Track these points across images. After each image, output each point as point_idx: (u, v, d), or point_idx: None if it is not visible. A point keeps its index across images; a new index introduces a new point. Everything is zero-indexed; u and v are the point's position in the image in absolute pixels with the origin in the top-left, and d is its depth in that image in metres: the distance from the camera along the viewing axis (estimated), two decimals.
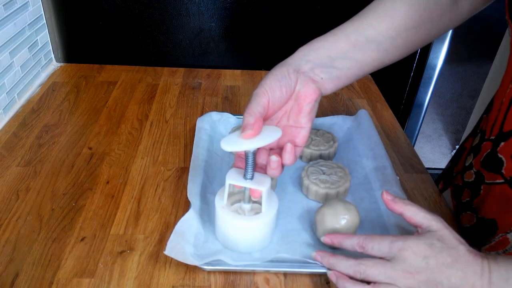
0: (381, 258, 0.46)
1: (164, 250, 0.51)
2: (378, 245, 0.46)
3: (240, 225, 0.52)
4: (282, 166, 0.50)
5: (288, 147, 0.48)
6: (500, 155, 0.54)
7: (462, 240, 0.45)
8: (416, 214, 0.47)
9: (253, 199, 0.52)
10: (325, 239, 0.52)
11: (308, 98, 0.50)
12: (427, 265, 0.43)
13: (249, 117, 0.45)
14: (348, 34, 0.52)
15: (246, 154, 0.48)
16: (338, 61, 0.51)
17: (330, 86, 0.52)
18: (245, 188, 0.52)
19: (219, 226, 0.54)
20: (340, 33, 0.52)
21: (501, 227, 0.54)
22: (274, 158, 0.48)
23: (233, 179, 0.51)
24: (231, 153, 0.69)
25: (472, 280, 0.42)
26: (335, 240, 0.51)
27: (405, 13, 0.52)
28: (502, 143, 0.54)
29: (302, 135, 0.51)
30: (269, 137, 0.47)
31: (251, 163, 0.49)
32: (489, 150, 0.56)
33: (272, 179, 0.54)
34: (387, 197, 0.49)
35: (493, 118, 0.57)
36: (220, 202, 0.53)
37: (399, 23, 0.52)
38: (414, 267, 0.43)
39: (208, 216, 0.59)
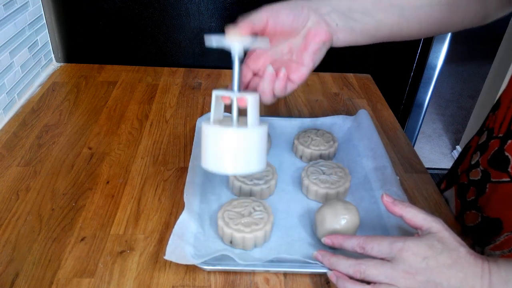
0: (381, 258, 0.46)
1: (164, 255, 0.51)
2: (378, 246, 0.46)
3: (223, 135, 0.47)
4: (274, 94, 0.49)
5: (282, 73, 0.47)
6: (506, 153, 0.54)
7: (463, 242, 0.45)
8: (416, 216, 0.47)
9: (240, 107, 0.48)
10: (326, 240, 0.52)
11: (317, 37, 0.49)
12: (427, 266, 0.43)
13: (239, 21, 0.45)
14: None
15: (232, 60, 0.46)
16: (357, 14, 0.51)
17: (342, 36, 0.51)
18: (232, 101, 0.48)
19: (204, 145, 0.49)
20: None
21: (506, 227, 0.54)
22: (270, 69, 0.47)
23: (220, 92, 0.48)
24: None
25: (472, 282, 0.42)
26: (336, 241, 0.51)
27: None
28: (510, 141, 0.54)
29: (300, 72, 0.49)
30: (256, 41, 0.45)
31: (238, 72, 0.46)
32: (496, 148, 0.56)
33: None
34: (387, 199, 0.49)
35: (502, 116, 0.57)
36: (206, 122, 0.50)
37: None
38: (414, 267, 0.43)
39: (208, 214, 0.59)
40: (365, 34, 0.52)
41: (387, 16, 0.52)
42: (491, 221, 0.56)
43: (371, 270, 0.45)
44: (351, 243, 0.48)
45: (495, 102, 0.62)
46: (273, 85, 0.49)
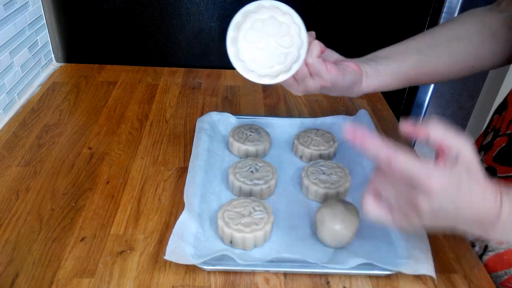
0: None
1: (164, 255, 0.51)
2: (406, 171, 0.38)
3: None
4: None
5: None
6: None
7: (483, 172, 0.40)
8: (445, 137, 0.39)
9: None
10: (347, 132, 0.41)
11: (351, 64, 0.55)
12: (447, 204, 0.39)
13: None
14: (396, 46, 0.61)
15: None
16: (381, 59, 0.58)
17: (371, 79, 0.57)
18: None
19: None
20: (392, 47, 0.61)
21: None
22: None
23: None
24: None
25: (483, 214, 0.40)
26: (358, 136, 0.40)
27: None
28: None
29: (327, 74, 0.52)
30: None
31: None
32: (503, 145, 0.56)
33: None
34: (404, 127, 0.42)
35: (511, 115, 0.57)
36: None
37: (438, 36, 0.60)
38: (436, 205, 0.38)
39: (208, 214, 0.59)
40: (390, 74, 0.57)
41: (406, 57, 0.58)
42: None
43: (398, 184, 0.39)
44: (378, 148, 0.39)
45: (500, 103, 0.63)
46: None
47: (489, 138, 0.61)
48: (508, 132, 0.56)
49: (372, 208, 0.42)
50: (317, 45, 0.51)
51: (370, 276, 0.53)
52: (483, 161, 0.60)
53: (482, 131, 0.66)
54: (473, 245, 0.60)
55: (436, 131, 0.39)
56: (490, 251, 0.57)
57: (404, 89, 1.18)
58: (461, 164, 0.38)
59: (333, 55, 0.56)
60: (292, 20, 0.46)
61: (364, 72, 0.56)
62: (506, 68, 1.85)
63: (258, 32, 0.46)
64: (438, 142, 0.39)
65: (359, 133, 0.40)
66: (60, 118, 0.81)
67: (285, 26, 0.46)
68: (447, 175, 0.38)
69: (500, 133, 0.58)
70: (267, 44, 0.47)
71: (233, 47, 0.48)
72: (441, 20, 1.03)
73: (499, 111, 0.62)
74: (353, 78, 0.54)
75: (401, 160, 0.38)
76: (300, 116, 0.85)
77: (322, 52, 0.52)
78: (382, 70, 0.57)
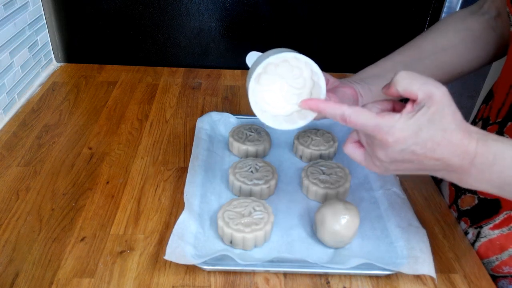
0: None
1: (164, 255, 0.51)
2: (361, 127, 0.41)
3: None
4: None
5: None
6: (506, 135, 0.55)
7: (458, 118, 0.40)
8: (411, 84, 0.40)
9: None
10: (302, 104, 0.46)
11: (349, 90, 0.56)
12: (404, 155, 0.40)
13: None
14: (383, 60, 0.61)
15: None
16: (370, 79, 0.59)
17: (365, 98, 0.57)
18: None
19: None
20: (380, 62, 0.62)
21: (505, 206, 0.55)
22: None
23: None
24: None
25: (449, 162, 0.40)
26: (312, 104, 0.45)
27: (433, 42, 0.60)
28: (510, 123, 0.55)
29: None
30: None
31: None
32: (494, 132, 0.57)
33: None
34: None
35: (500, 102, 0.58)
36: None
37: (423, 48, 0.60)
38: (391, 156, 0.41)
39: (208, 214, 0.59)
40: (382, 93, 0.56)
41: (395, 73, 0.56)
42: (489, 202, 0.57)
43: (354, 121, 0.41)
44: (333, 111, 0.43)
45: (486, 94, 0.64)
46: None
47: (478, 127, 0.62)
48: (498, 120, 0.57)
49: (350, 150, 0.46)
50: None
51: (370, 276, 0.53)
52: None
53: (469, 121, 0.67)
54: (466, 233, 0.61)
55: (400, 83, 0.40)
56: (482, 237, 0.58)
57: None
58: (427, 109, 0.39)
59: (329, 78, 0.56)
60: (306, 62, 0.46)
61: (359, 94, 0.57)
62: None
63: (271, 76, 0.47)
64: (407, 93, 0.40)
65: (314, 102, 0.45)
66: (60, 118, 0.81)
67: (297, 70, 0.47)
68: (403, 125, 0.39)
69: (491, 122, 0.59)
70: (280, 86, 0.48)
71: (253, 96, 0.48)
72: None
73: (486, 101, 0.63)
74: (350, 103, 0.55)
75: (355, 117, 0.41)
76: None
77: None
78: (374, 89, 0.57)
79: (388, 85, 0.42)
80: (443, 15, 1.03)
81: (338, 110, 0.42)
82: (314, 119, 0.49)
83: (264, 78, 0.48)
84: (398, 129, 0.39)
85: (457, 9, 1.04)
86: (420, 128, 0.39)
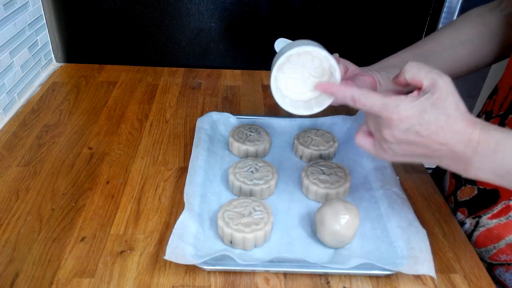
0: None
1: (164, 255, 0.51)
2: (369, 107, 0.44)
3: None
4: None
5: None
6: (507, 127, 0.55)
7: (461, 106, 0.41)
8: (418, 73, 0.43)
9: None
10: (317, 86, 0.51)
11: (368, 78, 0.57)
12: (409, 135, 0.42)
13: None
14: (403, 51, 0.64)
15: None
16: (389, 68, 0.60)
17: (382, 80, 0.59)
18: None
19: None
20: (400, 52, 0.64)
21: (504, 195, 0.56)
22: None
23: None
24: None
25: (455, 149, 0.41)
26: (326, 87, 0.49)
27: (450, 35, 0.63)
28: (511, 116, 0.56)
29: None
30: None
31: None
32: (496, 124, 0.57)
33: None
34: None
35: (503, 96, 0.59)
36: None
37: (442, 42, 0.62)
38: (397, 136, 0.42)
39: (208, 214, 0.59)
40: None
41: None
42: (488, 192, 0.58)
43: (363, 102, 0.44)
44: (343, 93, 0.46)
45: (492, 90, 0.64)
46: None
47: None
48: (501, 113, 0.58)
49: (360, 140, 0.48)
50: (341, 70, 0.52)
51: (370, 276, 0.53)
52: None
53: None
54: (463, 223, 0.61)
55: (408, 72, 0.43)
56: (481, 227, 0.59)
57: None
58: (431, 94, 0.41)
59: (349, 66, 0.58)
60: (325, 56, 0.50)
61: (378, 82, 0.58)
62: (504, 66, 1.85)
63: (293, 64, 0.52)
64: (414, 81, 0.43)
65: (327, 85, 0.49)
66: (60, 118, 0.81)
67: (317, 60, 0.51)
68: (407, 105, 0.41)
69: (493, 115, 0.60)
70: (301, 74, 0.52)
71: (275, 83, 0.53)
72: (441, 20, 1.03)
73: (491, 96, 0.64)
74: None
75: (364, 98, 0.44)
76: (300, 116, 0.85)
77: (344, 73, 0.56)
78: (392, 77, 0.59)
79: (397, 75, 0.45)
80: (443, 15, 1.03)
81: (349, 92, 0.45)
82: (332, 103, 0.52)
83: (287, 66, 0.52)
84: (403, 108, 0.41)
85: (457, 9, 1.04)
86: (424, 109, 0.41)
